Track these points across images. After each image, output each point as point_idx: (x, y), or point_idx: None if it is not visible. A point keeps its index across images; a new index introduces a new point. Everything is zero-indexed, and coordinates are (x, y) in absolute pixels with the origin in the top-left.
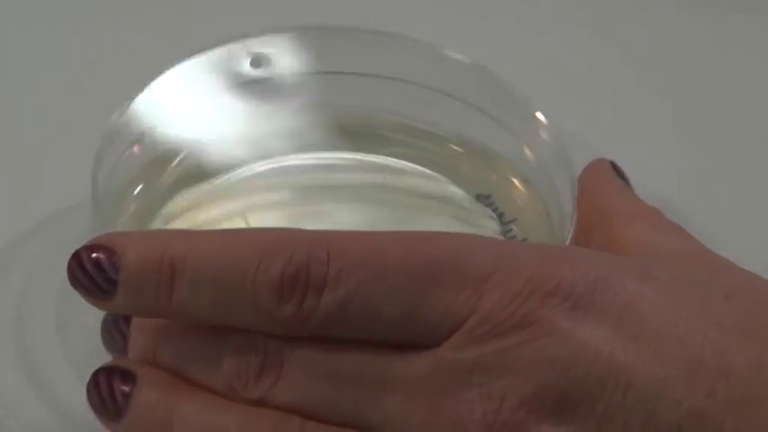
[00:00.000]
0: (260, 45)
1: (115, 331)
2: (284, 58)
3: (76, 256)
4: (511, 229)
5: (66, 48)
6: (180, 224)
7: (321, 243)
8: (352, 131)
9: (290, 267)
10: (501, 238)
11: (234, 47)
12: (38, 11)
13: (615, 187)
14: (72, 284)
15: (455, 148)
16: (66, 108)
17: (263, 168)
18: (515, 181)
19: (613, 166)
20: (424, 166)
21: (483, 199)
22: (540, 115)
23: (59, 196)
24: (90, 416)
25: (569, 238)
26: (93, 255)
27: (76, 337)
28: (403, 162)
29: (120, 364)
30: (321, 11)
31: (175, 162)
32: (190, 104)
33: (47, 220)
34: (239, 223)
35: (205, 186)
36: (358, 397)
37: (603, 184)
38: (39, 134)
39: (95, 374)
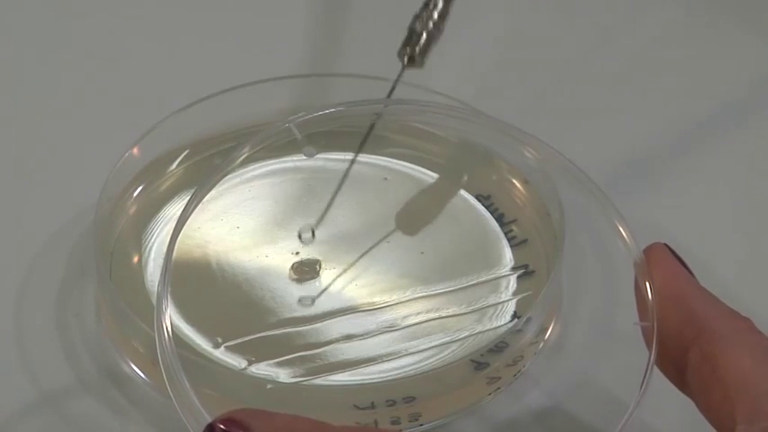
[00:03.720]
0: None
1: None
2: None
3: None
4: (511, 230)
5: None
6: None
7: None
8: (352, 131)
9: None
10: (501, 238)
11: None
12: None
13: (693, 287)
14: None
15: (455, 148)
16: (76, 119)
17: (264, 169)
18: (515, 181)
19: (671, 251)
20: (423, 166)
21: (483, 199)
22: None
23: (60, 198)
24: (89, 416)
25: (653, 350)
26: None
27: (76, 337)
28: (403, 162)
29: None
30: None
31: (175, 164)
32: (190, 106)
33: (48, 220)
34: (238, 224)
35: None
36: None
37: (682, 284)
38: (44, 141)
39: None
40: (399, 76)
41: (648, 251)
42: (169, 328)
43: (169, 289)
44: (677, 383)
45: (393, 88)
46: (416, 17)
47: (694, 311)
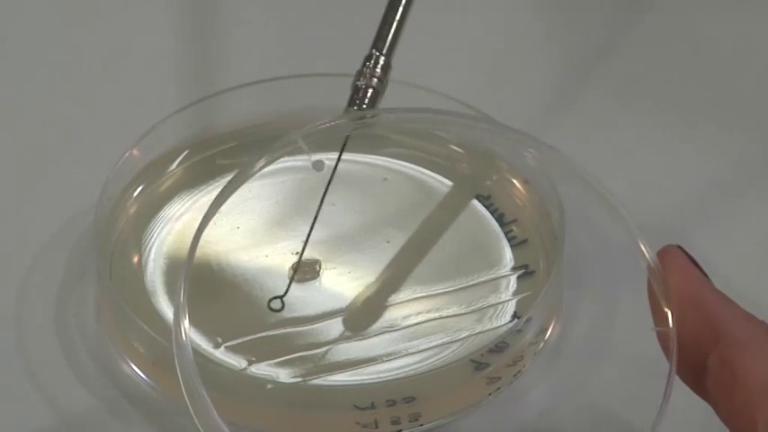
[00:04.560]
0: None
1: None
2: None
3: None
4: (511, 230)
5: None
6: (179, 226)
7: None
8: (355, 134)
9: None
10: (501, 238)
11: None
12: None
13: (709, 290)
14: None
15: (455, 148)
16: (77, 120)
17: (264, 169)
18: (515, 181)
19: (686, 253)
20: (423, 166)
21: (483, 199)
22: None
23: (60, 199)
24: (89, 416)
25: (674, 352)
26: None
27: (76, 337)
28: (403, 162)
29: None
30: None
31: (175, 164)
32: (190, 106)
33: (48, 220)
34: (238, 224)
35: (204, 188)
36: None
37: (698, 287)
38: (43, 141)
39: None
40: (347, 136)
41: (663, 254)
42: (188, 343)
43: (188, 301)
44: (695, 388)
45: (344, 145)
46: (359, 73)
47: (712, 315)
